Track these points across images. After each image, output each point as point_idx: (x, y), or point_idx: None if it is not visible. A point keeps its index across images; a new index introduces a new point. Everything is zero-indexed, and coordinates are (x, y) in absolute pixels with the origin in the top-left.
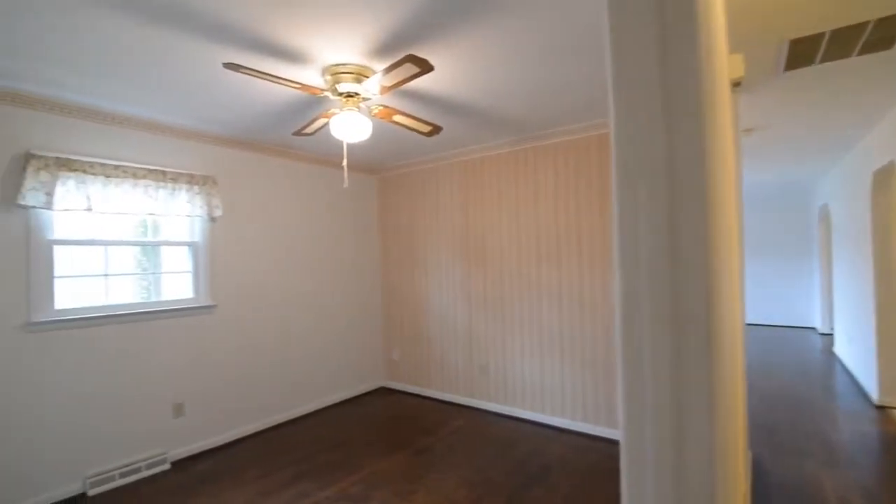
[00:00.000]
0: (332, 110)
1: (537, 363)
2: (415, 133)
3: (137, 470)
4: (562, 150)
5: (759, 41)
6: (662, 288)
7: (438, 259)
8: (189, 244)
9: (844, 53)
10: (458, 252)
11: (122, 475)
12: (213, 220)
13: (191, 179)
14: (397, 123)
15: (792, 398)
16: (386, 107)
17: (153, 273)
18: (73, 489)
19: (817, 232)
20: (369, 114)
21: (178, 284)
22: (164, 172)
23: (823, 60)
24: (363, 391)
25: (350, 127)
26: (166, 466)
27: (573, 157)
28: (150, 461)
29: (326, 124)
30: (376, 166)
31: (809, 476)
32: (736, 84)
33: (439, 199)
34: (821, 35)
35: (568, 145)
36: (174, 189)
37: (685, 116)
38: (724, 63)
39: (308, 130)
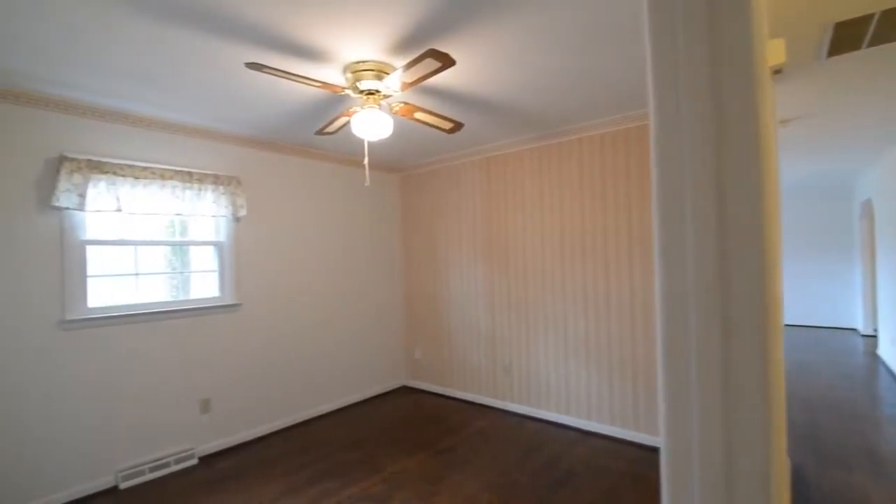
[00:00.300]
0: (353, 108)
1: (562, 364)
2: (436, 130)
3: (167, 465)
4: (587, 145)
5: (801, 25)
6: (711, 288)
7: (460, 257)
8: (214, 244)
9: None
10: (481, 250)
11: (152, 469)
12: (237, 220)
13: (216, 180)
14: (418, 121)
15: (834, 404)
16: (407, 104)
17: (181, 272)
18: (105, 482)
19: (859, 228)
20: (390, 111)
21: (205, 283)
22: (190, 173)
23: (872, 44)
24: (385, 390)
25: (371, 125)
26: (194, 461)
27: (599, 153)
28: (178, 456)
29: (348, 123)
30: (398, 165)
31: (855, 489)
32: (777, 71)
33: (461, 197)
34: (869, 17)
35: (594, 141)
36: (200, 189)
37: (737, 104)
38: (766, 48)
39: (330, 129)
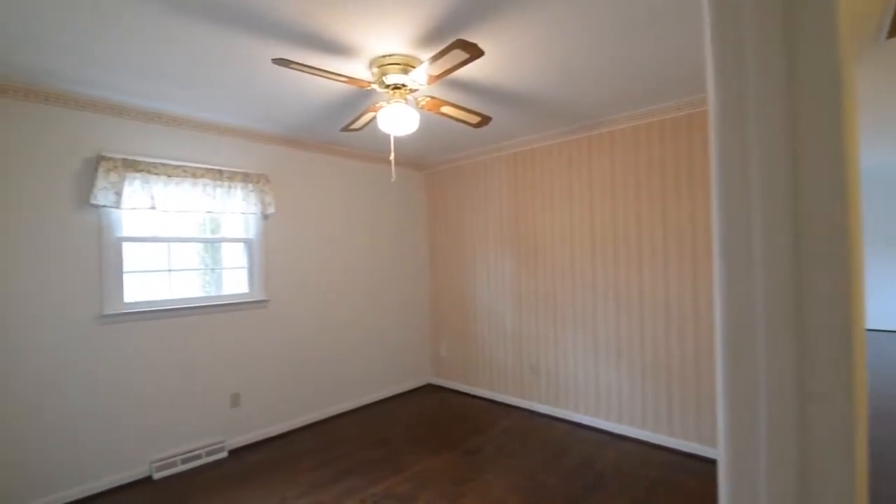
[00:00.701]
0: (380, 104)
1: (591, 364)
2: (462, 125)
3: (198, 457)
4: (619, 138)
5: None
6: (784, 291)
7: (487, 254)
8: (244, 241)
9: None
10: (508, 247)
11: (184, 461)
12: (265, 217)
13: (245, 178)
14: (445, 115)
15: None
16: (433, 98)
17: (213, 269)
18: (140, 472)
19: None
20: (416, 106)
21: (235, 280)
22: (220, 171)
23: None
24: (410, 387)
25: (397, 119)
26: (224, 454)
27: (633, 146)
28: (209, 449)
29: (374, 118)
30: (423, 162)
31: None
32: None
33: (488, 193)
34: None
35: (626, 133)
36: (230, 187)
37: (819, 84)
38: (849, 19)
39: (356, 126)
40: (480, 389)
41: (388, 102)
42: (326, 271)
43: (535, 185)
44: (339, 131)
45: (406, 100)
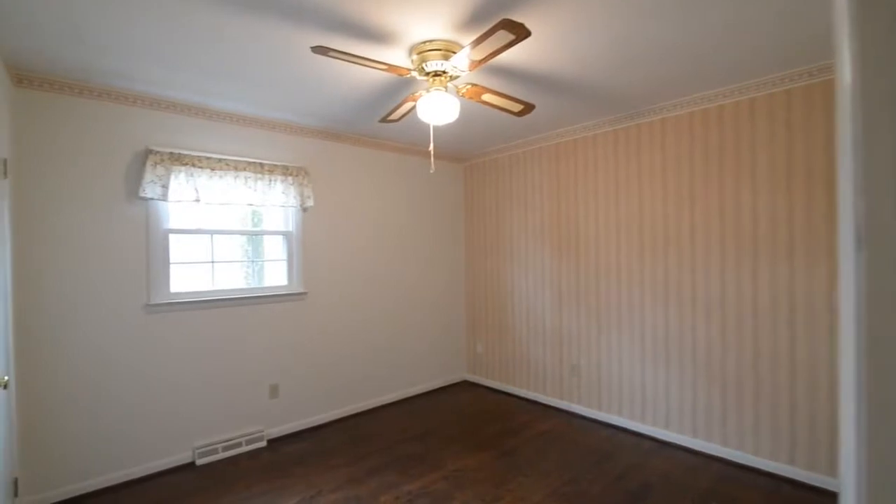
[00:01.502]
0: (419, 92)
1: (637, 367)
2: (503, 115)
3: (238, 445)
4: (671, 126)
5: None
6: None
7: (526, 249)
8: (283, 233)
9: None
10: (548, 242)
11: (225, 448)
12: (304, 210)
13: (285, 171)
14: (486, 103)
15: None
16: (474, 85)
17: (254, 261)
18: (183, 458)
19: None
20: (457, 94)
21: (276, 272)
22: (261, 164)
23: None
24: (446, 383)
25: (437, 108)
26: (263, 444)
27: (688, 134)
28: (249, 437)
29: (413, 108)
30: (461, 154)
31: None
32: None
33: (527, 187)
34: None
35: (681, 121)
36: (271, 180)
37: None
38: None
39: (394, 116)
40: (517, 388)
41: (428, 91)
42: (363, 264)
43: (578, 176)
44: (378, 122)
45: (446, 87)
